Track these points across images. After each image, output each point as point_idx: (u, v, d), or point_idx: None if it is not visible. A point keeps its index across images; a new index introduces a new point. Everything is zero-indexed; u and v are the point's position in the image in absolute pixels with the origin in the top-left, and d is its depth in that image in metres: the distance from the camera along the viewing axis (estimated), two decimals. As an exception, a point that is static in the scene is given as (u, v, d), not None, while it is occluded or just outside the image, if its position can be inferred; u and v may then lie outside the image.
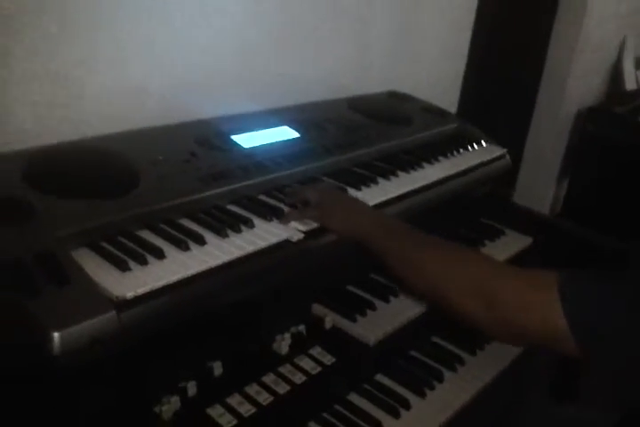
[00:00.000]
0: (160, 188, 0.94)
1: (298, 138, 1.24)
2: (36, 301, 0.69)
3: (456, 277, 0.84)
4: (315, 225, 0.98)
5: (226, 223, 0.92)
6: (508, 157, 1.54)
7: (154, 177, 0.96)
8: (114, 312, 0.72)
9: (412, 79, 1.87)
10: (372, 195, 1.12)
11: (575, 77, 2.65)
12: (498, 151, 1.51)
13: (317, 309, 1.06)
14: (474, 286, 0.82)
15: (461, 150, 1.45)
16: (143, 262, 0.80)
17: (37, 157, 0.93)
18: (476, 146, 1.50)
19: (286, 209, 1.00)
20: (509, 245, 1.41)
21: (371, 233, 0.95)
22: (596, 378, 0.88)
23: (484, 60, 2.24)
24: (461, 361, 1.09)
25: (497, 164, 1.49)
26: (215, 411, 0.82)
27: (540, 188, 2.95)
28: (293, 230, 0.95)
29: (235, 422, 0.81)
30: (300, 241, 0.94)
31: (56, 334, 0.67)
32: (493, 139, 1.55)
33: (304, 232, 0.95)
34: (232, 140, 1.15)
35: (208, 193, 0.98)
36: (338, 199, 1.04)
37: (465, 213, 1.50)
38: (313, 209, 0.99)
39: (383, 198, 1.13)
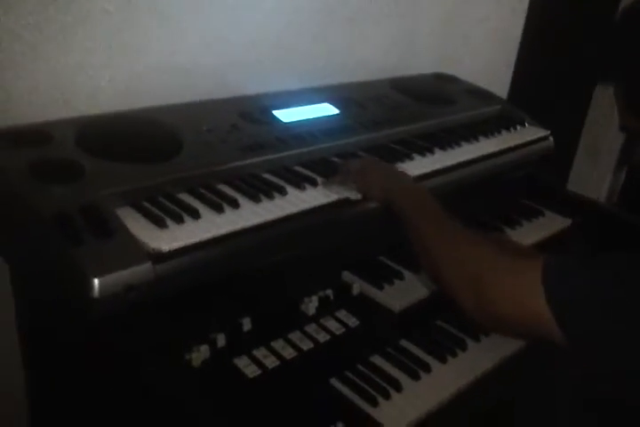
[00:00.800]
0: (201, 155, 1.01)
1: (337, 114, 1.29)
2: (79, 249, 0.76)
3: (452, 262, 0.87)
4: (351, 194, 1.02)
5: (260, 190, 0.98)
6: (551, 138, 1.53)
7: (196, 145, 1.03)
8: (149, 263, 0.79)
9: (460, 62, 1.88)
10: (407, 170, 1.16)
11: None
12: (540, 133, 1.51)
13: (347, 276, 1.11)
14: (464, 271, 0.84)
15: (503, 131, 1.46)
16: (180, 221, 0.86)
17: (90, 125, 1.01)
18: (518, 127, 1.51)
19: (319, 179, 1.05)
20: (546, 225, 1.42)
21: (399, 205, 0.98)
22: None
23: (539, 44, 2.21)
24: (486, 332, 1.11)
25: (539, 145, 1.49)
26: (241, 361, 0.88)
27: (595, 178, 2.89)
28: (326, 197, 1.00)
29: (259, 372, 0.87)
30: (332, 208, 0.98)
31: (96, 280, 0.75)
32: (547, 125, 1.55)
33: (339, 200, 1.00)
34: (273, 114, 1.21)
35: (246, 162, 1.04)
36: (380, 168, 1.08)
37: (504, 194, 1.51)
38: (354, 176, 1.03)
39: (417, 173, 1.16)
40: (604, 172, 2.89)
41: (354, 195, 1.03)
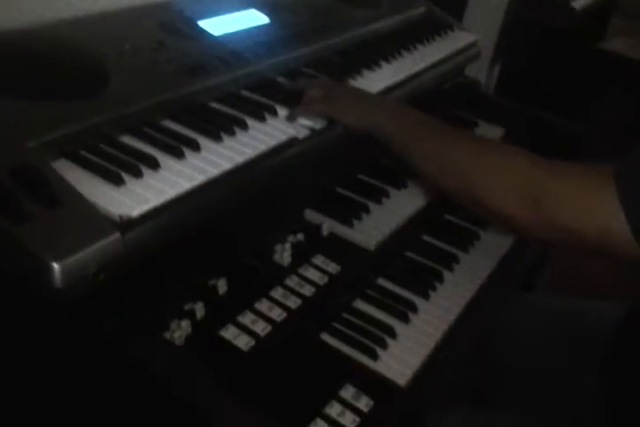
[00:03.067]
0: (134, 84, 0.80)
1: (269, 24, 1.10)
2: (26, 227, 0.58)
3: (497, 174, 0.76)
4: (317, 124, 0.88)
5: (216, 125, 0.81)
6: (478, 44, 1.45)
7: (124, 72, 0.81)
8: (118, 234, 0.61)
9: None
10: (361, 88, 1.02)
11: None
12: (471, 37, 1.42)
13: (312, 215, 0.99)
14: (518, 184, 0.74)
15: (436, 37, 1.35)
16: (138, 174, 0.68)
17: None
18: (449, 32, 1.40)
19: (278, 107, 0.89)
20: (485, 137, 1.36)
21: (391, 127, 0.86)
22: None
23: None
24: (456, 259, 1.06)
25: (470, 51, 1.41)
26: (229, 333, 0.75)
27: (471, 72, 2.88)
28: (297, 128, 0.85)
29: (252, 342, 0.75)
30: (302, 141, 0.84)
31: (56, 266, 0.57)
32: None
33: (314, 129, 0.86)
34: (199, 26, 1.00)
35: (187, 89, 0.85)
36: (348, 91, 0.94)
37: (437, 105, 1.42)
38: (322, 103, 0.88)
39: (371, 90, 1.03)
40: (479, 66, 2.88)
41: (319, 124, 0.89)
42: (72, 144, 0.70)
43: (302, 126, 0.87)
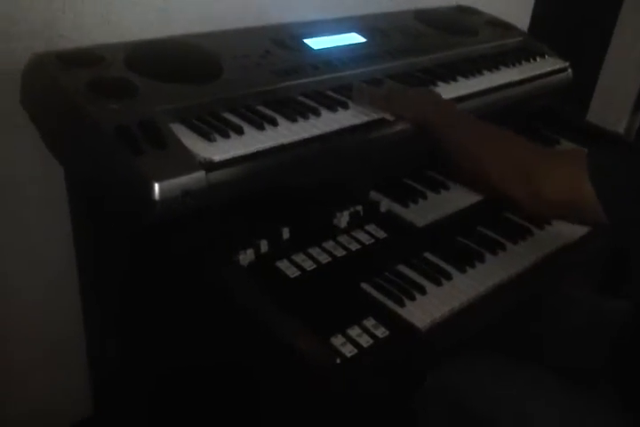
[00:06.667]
0: (240, 78, 1.08)
1: (364, 42, 1.34)
2: (140, 158, 0.85)
3: (501, 159, 0.95)
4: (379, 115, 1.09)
5: (296, 110, 1.05)
6: (569, 70, 1.58)
7: (235, 69, 1.09)
8: (202, 171, 0.87)
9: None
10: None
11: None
12: (560, 64, 1.55)
13: (374, 195, 1.19)
14: (515, 166, 0.92)
15: (523, 62, 1.51)
16: (226, 136, 0.94)
17: (138, 48, 1.08)
18: (538, 59, 1.55)
19: (350, 102, 1.12)
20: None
21: (435, 119, 1.05)
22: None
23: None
24: (504, 248, 1.19)
25: (557, 76, 1.54)
26: (283, 264, 0.97)
27: (613, 114, 2.91)
28: (357, 118, 1.07)
29: (298, 273, 0.96)
30: (363, 129, 1.06)
31: (156, 184, 0.83)
32: (565, 58, 1.59)
33: (370, 121, 1.07)
34: (303, 42, 1.26)
35: (282, 85, 1.11)
36: (407, 88, 1.15)
37: (524, 123, 1.56)
38: (382, 96, 1.10)
39: (441, 98, 1.22)
40: (622, 109, 2.91)
41: (384, 116, 1.10)
42: (186, 114, 0.97)
43: (365, 116, 1.08)
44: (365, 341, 0.90)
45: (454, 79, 1.31)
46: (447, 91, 1.26)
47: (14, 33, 1.06)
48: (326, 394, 0.84)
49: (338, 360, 0.84)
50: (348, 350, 0.86)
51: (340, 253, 1.03)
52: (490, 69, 1.41)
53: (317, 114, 1.06)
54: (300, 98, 1.11)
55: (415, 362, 0.96)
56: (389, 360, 0.89)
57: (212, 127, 0.95)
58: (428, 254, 1.13)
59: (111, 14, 1.14)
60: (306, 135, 1.00)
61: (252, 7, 1.34)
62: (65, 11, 1.09)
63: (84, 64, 0.99)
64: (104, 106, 0.91)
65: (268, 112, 1.04)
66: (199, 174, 0.87)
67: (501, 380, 1.04)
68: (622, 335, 1.05)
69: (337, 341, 0.88)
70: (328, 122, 1.05)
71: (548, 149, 0.95)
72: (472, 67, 1.39)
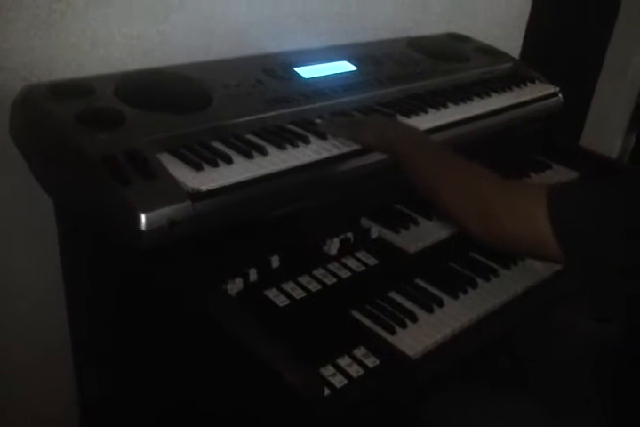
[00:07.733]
0: (230, 107, 1.08)
1: (355, 71, 1.35)
2: (127, 189, 0.85)
3: (460, 192, 0.92)
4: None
5: (285, 138, 1.05)
6: (560, 95, 1.59)
7: (225, 98, 1.10)
8: (189, 201, 0.87)
9: (472, 22, 1.92)
10: (421, 122, 1.22)
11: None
12: (550, 89, 1.57)
13: (365, 222, 1.19)
14: (474, 200, 0.89)
15: (514, 87, 1.52)
16: (214, 165, 0.95)
17: (128, 78, 1.09)
18: (529, 84, 1.56)
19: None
20: (553, 177, 1.49)
21: (401, 147, 1.03)
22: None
23: (552, 3, 2.24)
24: (496, 273, 1.18)
25: (548, 101, 1.55)
26: (271, 293, 0.97)
27: (606, 141, 2.92)
28: (347, 146, 1.07)
29: (287, 302, 0.96)
30: (353, 156, 1.06)
31: (143, 215, 0.83)
32: (558, 82, 1.60)
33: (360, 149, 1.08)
34: (294, 71, 1.27)
35: (271, 113, 1.11)
36: (373, 117, 1.15)
37: (515, 149, 1.57)
38: (347, 125, 1.10)
39: (430, 126, 1.23)
40: (614, 135, 2.92)
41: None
42: (174, 143, 0.98)
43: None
44: (355, 371, 0.89)
45: (444, 105, 1.32)
46: (437, 117, 1.27)
47: (6, 66, 1.07)
48: (315, 426, 0.83)
49: (327, 391, 0.83)
50: (338, 381, 0.86)
51: (330, 280, 1.02)
52: (480, 95, 1.42)
53: (307, 142, 1.07)
54: (290, 126, 1.12)
55: (404, 391, 0.95)
56: (378, 390, 0.88)
57: (201, 156, 0.96)
58: (419, 281, 1.13)
59: (100, 46, 1.15)
60: (295, 163, 1.00)
61: (245, 37, 1.35)
62: (57, 42, 1.10)
63: (74, 95, 1.00)
64: (92, 136, 0.91)
65: (257, 141, 1.04)
66: (186, 204, 0.87)
67: (488, 413, 1.02)
68: (611, 362, 1.04)
69: (326, 371, 0.87)
70: (317, 150, 1.05)
71: (512, 182, 0.91)
72: (462, 93, 1.40)
